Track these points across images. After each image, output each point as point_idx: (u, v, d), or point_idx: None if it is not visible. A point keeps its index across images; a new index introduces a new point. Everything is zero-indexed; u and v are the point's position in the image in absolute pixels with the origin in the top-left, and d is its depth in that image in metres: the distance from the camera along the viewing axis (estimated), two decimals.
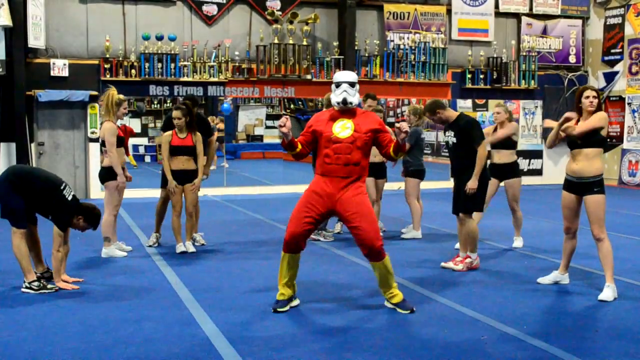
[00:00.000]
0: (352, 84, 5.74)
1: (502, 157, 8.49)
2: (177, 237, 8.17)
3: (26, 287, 6.31)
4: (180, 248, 8.10)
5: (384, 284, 5.77)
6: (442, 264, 7.43)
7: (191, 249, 8.16)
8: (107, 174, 7.93)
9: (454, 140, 7.27)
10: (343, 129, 5.69)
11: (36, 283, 6.33)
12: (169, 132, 8.17)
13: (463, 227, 7.36)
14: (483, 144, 7.19)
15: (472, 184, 7.11)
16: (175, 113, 8.10)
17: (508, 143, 8.49)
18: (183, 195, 8.21)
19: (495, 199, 8.76)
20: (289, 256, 5.72)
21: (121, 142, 8.04)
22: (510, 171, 8.48)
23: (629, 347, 4.92)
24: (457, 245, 7.85)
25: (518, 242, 8.53)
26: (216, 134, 19.09)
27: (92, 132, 13.50)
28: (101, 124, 8.08)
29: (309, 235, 5.76)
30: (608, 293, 6.07)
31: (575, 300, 6.17)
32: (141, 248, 8.46)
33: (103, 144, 7.94)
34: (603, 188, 6.19)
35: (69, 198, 6.42)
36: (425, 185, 13.89)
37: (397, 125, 5.63)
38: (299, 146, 5.76)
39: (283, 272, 5.76)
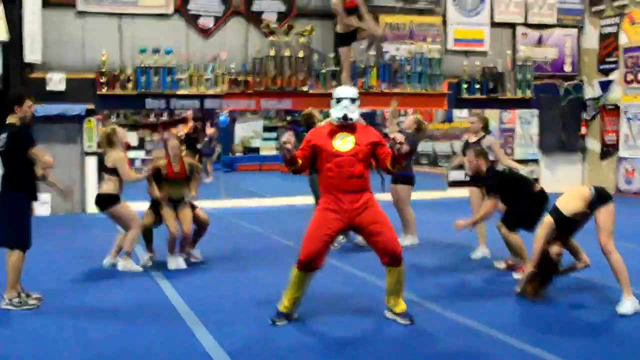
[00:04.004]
0: (353, 100, 5.76)
1: None
2: (170, 251, 8.13)
3: (6, 304, 6.25)
4: (171, 265, 8.07)
5: (395, 291, 5.77)
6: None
7: (182, 265, 8.13)
8: (105, 201, 7.96)
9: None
10: (344, 142, 5.71)
11: (16, 299, 6.27)
12: (165, 162, 8.26)
13: (505, 240, 7.53)
14: (492, 201, 7.42)
15: (464, 223, 7.38)
16: (173, 142, 8.31)
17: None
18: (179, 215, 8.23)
19: None
20: (303, 274, 5.70)
21: None
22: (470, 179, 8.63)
23: (628, 355, 4.92)
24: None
25: (479, 253, 8.62)
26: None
27: (89, 147, 13.49)
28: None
29: (325, 254, 5.74)
30: (627, 305, 5.93)
31: (573, 309, 6.17)
32: (138, 262, 8.37)
33: (106, 171, 7.99)
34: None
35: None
36: (421, 195, 13.96)
37: (391, 136, 5.67)
38: (299, 162, 5.77)
39: (292, 288, 5.73)
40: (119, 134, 8.15)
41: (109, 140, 8.06)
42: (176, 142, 8.34)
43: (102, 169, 8.13)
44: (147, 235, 8.31)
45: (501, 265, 7.88)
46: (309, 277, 5.74)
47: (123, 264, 7.94)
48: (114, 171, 7.93)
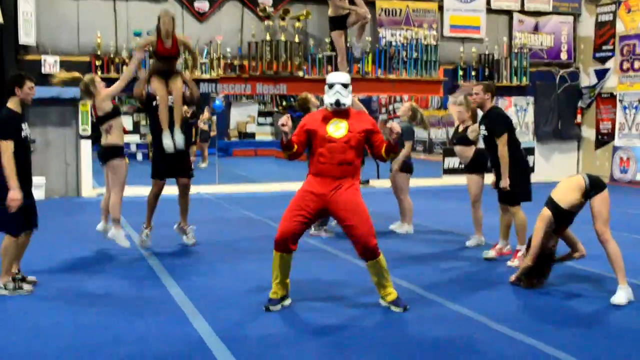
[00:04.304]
0: (345, 85, 5.75)
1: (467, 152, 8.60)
2: (164, 126, 8.06)
3: (0, 289, 6.23)
4: (166, 141, 8.01)
5: (380, 282, 5.78)
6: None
7: (181, 142, 8.10)
8: (109, 152, 7.84)
9: (485, 133, 7.56)
10: (337, 128, 5.71)
11: (11, 284, 6.25)
12: (155, 38, 8.11)
13: (505, 218, 7.71)
14: (503, 140, 7.38)
15: (502, 183, 7.42)
16: (165, 15, 8.10)
17: (467, 140, 8.57)
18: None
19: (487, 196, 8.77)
20: (280, 255, 5.72)
21: (118, 110, 7.99)
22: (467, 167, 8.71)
23: (622, 345, 4.94)
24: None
25: (474, 241, 8.61)
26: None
27: (84, 130, 13.44)
28: (92, 106, 8.05)
29: (300, 235, 5.74)
30: (621, 295, 5.93)
31: (568, 299, 6.18)
32: (134, 247, 8.31)
33: (102, 122, 7.84)
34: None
35: None
36: (416, 182, 13.97)
37: (388, 125, 5.66)
38: (295, 147, 5.76)
39: (275, 271, 5.76)
40: (97, 83, 7.90)
41: (88, 90, 7.88)
42: (169, 17, 8.09)
43: (98, 124, 7.96)
44: (152, 204, 8.21)
45: (490, 254, 7.82)
46: (286, 259, 5.73)
47: (113, 232, 7.89)
48: (109, 117, 7.80)
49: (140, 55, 8.04)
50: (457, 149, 8.66)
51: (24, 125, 6.31)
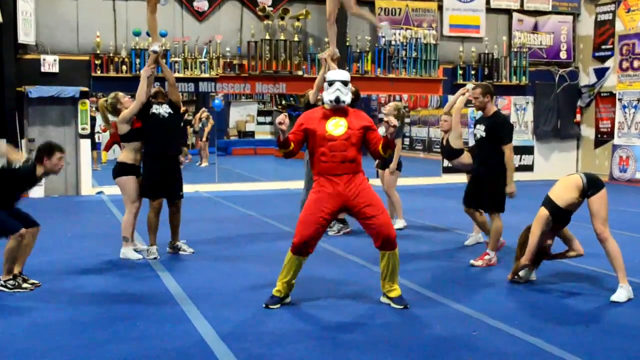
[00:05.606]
0: (345, 83, 5.77)
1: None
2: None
3: (0, 286, 6.25)
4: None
5: (389, 275, 5.78)
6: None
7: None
8: (117, 168, 7.69)
9: (483, 134, 7.33)
10: (336, 126, 5.72)
11: (11, 282, 6.26)
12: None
13: (478, 220, 7.67)
14: (510, 147, 7.27)
15: (509, 189, 7.21)
16: None
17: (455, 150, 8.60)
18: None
19: None
20: (296, 258, 5.71)
21: (139, 134, 7.71)
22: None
23: (620, 342, 4.95)
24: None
25: (472, 240, 8.61)
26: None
27: (83, 129, 13.45)
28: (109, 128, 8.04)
29: (320, 238, 5.75)
30: (621, 293, 5.94)
31: (566, 297, 6.19)
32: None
33: (122, 139, 7.72)
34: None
35: (16, 166, 6.31)
36: (416, 181, 14.02)
37: (385, 119, 5.67)
38: (292, 145, 5.77)
39: (285, 271, 5.74)
40: (121, 98, 7.74)
41: (115, 109, 7.70)
42: None
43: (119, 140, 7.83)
44: (154, 224, 7.82)
45: (478, 262, 7.71)
46: (302, 261, 5.75)
47: (123, 251, 7.74)
48: (123, 139, 7.69)
49: (147, 73, 7.77)
50: (455, 162, 8.63)
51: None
